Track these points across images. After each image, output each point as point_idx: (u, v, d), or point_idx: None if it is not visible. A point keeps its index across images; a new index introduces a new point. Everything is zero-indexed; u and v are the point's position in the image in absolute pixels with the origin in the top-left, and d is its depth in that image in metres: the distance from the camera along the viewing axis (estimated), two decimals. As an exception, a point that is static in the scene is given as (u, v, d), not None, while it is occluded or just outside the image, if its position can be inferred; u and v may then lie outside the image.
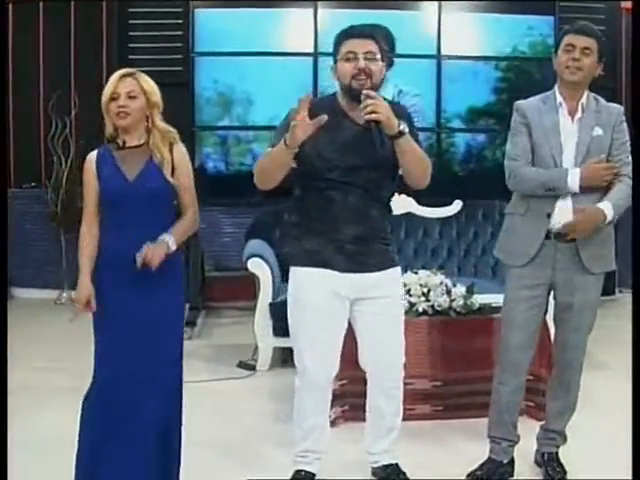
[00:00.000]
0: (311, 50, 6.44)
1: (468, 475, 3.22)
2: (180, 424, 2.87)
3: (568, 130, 3.06)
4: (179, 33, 6.58)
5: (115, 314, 2.75)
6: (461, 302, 3.98)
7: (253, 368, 4.86)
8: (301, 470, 3.09)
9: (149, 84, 2.80)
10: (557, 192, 3.03)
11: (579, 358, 3.20)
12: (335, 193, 2.86)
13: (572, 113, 3.07)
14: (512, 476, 3.25)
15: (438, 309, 3.96)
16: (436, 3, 6.49)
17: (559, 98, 3.08)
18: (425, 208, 5.36)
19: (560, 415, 3.28)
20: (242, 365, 4.90)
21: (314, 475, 3.11)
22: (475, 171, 6.54)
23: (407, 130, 2.77)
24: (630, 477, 2.85)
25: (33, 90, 6.85)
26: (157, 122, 2.79)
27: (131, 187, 2.74)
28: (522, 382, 3.24)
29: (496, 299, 3.60)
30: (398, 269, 3.07)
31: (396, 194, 3.22)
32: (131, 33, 6.65)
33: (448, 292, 4.00)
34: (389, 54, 2.97)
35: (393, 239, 3.20)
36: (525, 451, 3.35)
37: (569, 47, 3.03)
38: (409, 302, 3.93)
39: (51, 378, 4.63)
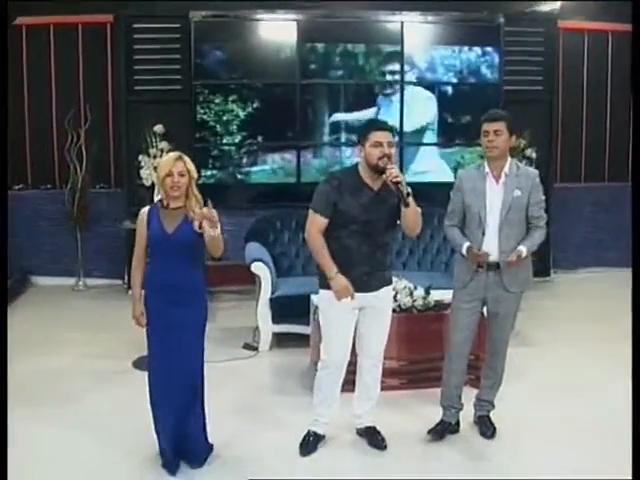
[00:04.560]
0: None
1: (428, 432, 4.20)
2: (202, 383, 3.91)
3: (494, 192, 3.96)
4: (178, 57, 7.25)
5: (159, 322, 3.80)
6: (421, 302, 4.90)
7: (256, 349, 5.65)
8: (312, 432, 4.11)
9: (191, 164, 3.74)
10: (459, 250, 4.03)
11: (503, 349, 4.18)
12: (352, 241, 3.85)
13: (497, 179, 3.98)
14: (458, 432, 4.27)
15: (403, 307, 4.85)
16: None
17: (487, 168, 4.00)
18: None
19: (489, 389, 4.27)
20: (247, 346, 5.68)
21: (323, 437, 4.12)
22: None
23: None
24: (630, 477, 3.21)
25: (45, 107, 7.54)
26: (194, 191, 3.74)
27: (170, 238, 3.72)
28: (464, 367, 4.20)
29: (448, 294, 4.42)
30: (391, 287, 4.09)
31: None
32: (136, 57, 7.23)
33: (411, 294, 4.90)
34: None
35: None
36: (468, 413, 4.31)
37: (485, 132, 3.95)
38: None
39: (85, 362, 5.40)
